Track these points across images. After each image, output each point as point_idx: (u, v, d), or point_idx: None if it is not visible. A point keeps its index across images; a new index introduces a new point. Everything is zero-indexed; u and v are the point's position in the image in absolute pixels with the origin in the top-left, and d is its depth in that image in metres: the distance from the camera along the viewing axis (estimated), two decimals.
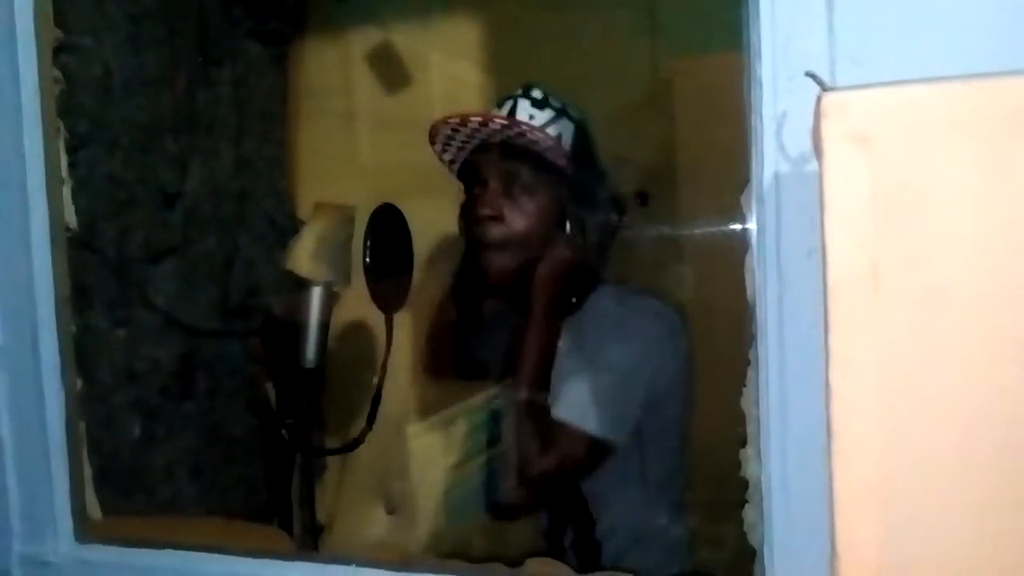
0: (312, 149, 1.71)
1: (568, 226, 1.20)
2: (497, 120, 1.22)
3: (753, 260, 0.65)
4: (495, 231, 1.22)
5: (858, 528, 0.53)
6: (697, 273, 1.51)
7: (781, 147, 0.61)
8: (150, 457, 1.29)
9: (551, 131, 1.22)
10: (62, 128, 0.93)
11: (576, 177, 1.22)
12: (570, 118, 1.24)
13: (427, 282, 1.40)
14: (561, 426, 1.16)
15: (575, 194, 1.21)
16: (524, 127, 1.20)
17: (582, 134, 1.24)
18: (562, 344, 1.21)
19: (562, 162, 1.21)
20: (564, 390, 1.19)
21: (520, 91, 1.27)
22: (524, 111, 1.23)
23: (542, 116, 1.23)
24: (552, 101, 1.25)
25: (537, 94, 1.25)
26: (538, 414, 1.18)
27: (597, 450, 1.17)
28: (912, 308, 0.50)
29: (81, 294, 1.16)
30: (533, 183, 1.22)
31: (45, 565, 0.90)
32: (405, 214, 1.31)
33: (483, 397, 1.32)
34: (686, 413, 1.26)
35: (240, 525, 1.35)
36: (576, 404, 1.17)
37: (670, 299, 1.36)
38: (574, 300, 1.25)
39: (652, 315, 1.25)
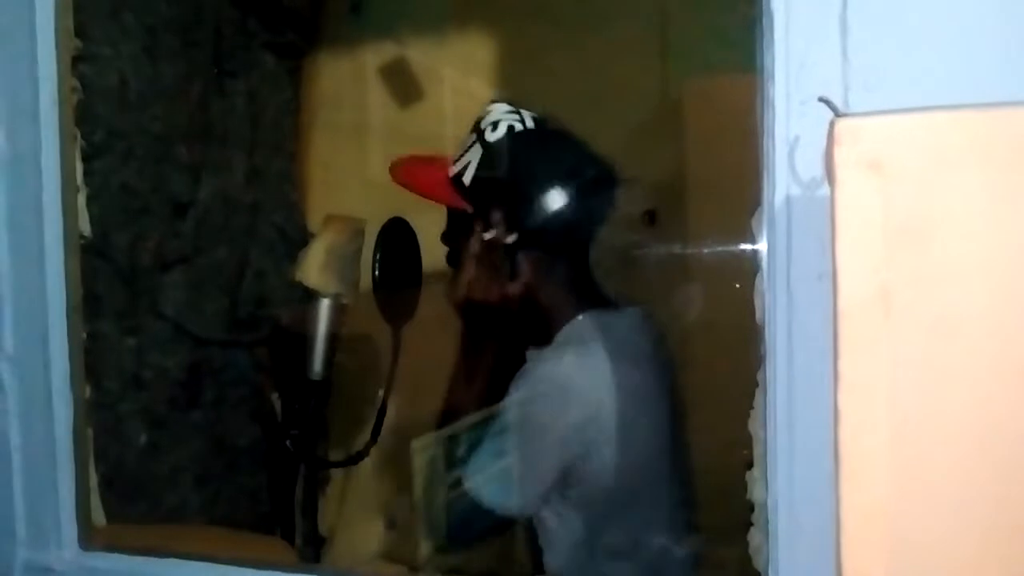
0: (324, 162, 1.72)
1: (475, 256, 1.16)
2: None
3: (763, 282, 0.65)
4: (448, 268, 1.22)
5: (864, 553, 0.52)
6: (706, 293, 1.51)
7: (793, 171, 0.61)
8: (155, 465, 1.29)
9: (460, 163, 1.17)
10: (78, 137, 0.94)
11: (483, 204, 1.15)
12: (483, 142, 1.16)
13: (435, 297, 1.40)
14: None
15: (487, 221, 1.15)
16: (429, 179, 1.20)
17: (492, 156, 1.15)
18: (505, 399, 1.14)
19: (453, 199, 1.18)
20: (482, 447, 1.15)
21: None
22: (464, 137, 1.20)
23: (467, 141, 1.18)
24: (483, 122, 1.18)
25: (482, 112, 1.19)
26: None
27: (496, 520, 1.14)
28: (922, 334, 0.50)
29: (91, 302, 1.17)
30: (455, 223, 1.20)
31: (49, 572, 0.90)
32: (415, 228, 1.31)
33: (487, 413, 1.32)
34: (646, 454, 1.15)
35: (243, 535, 1.35)
36: (476, 468, 1.13)
37: (673, 326, 1.32)
38: (524, 335, 1.19)
39: (572, 373, 1.12)
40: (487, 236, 1.14)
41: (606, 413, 1.10)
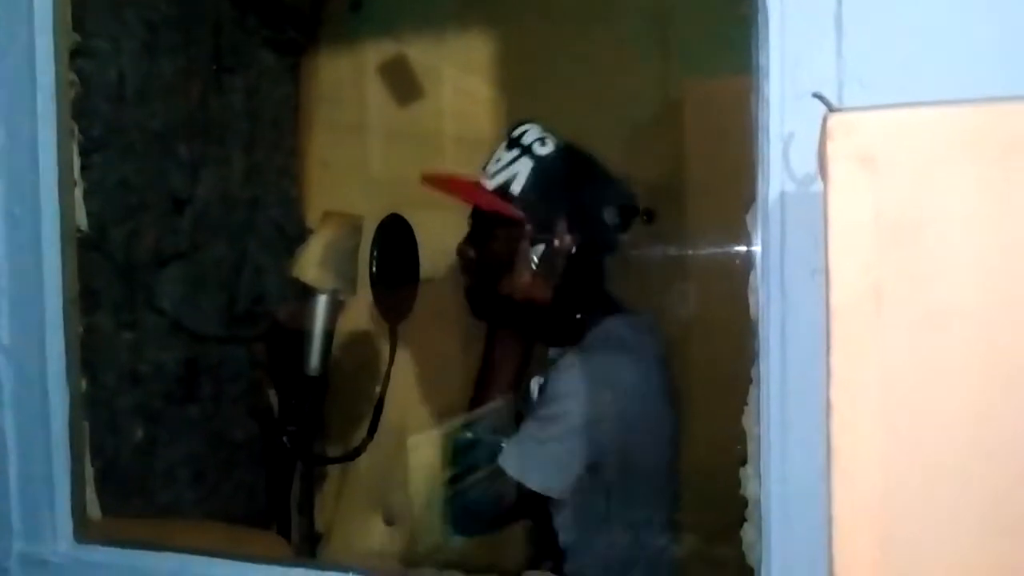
0: (323, 158, 1.72)
1: (532, 260, 1.24)
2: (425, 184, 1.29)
3: (757, 279, 0.65)
4: (465, 272, 1.30)
5: (857, 549, 0.53)
6: (702, 290, 1.51)
7: (787, 167, 0.62)
8: (152, 460, 1.29)
9: (503, 175, 1.25)
10: (76, 131, 0.94)
11: (534, 213, 1.24)
12: (532, 155, 1.26)
13: (432, 294, 1.40)
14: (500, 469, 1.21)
15: (537, 228, 1.24)
16: (476, 191, 1.27)
17: (544, 170, 1.25)
18: (545, 383, 1.25)
19: (505, 208, 1.25)
20: (519, 436, 1.23)
21: (512, 128, 1.31)
22: (498, 153, 1.28)
23: (507, 156, 1.27)
24: (524, 138, 1.27)
25: (517, 131, 1.28)
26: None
27: (532, 499, 1.21)
28: (914, 330, 0.50)
29: (89, 296, 1.17)
30: (488, 229, 1.27)
31: (44, 564, 0.90)
32: (413, 225, 1.32)
33: (485, 410, 1.32)
34: (659, 450, 1.26)
35: (239, 530, 1.35)
36: (517, 453, 1.21)
37: (669, 323, 1.36)
38: (557, 334, 1.28)
39: (610, 370, 1.23)
40: (556, 243, 1.23)
41: (636, 407, 1.21)
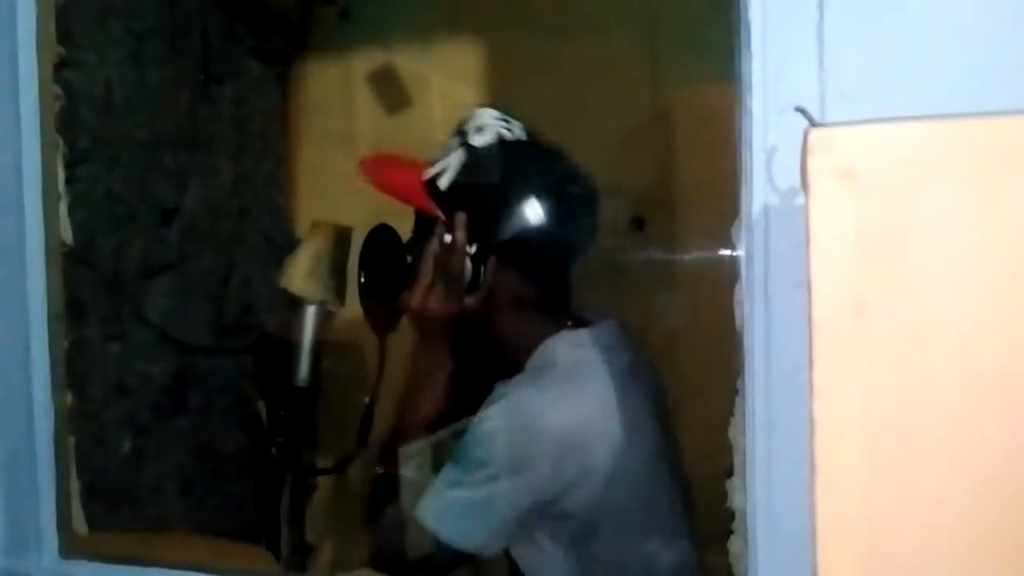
0: (311, 168, 1.72)
1: (433, 274, 1.09)
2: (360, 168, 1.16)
3: (742, 291, 0.66)
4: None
5: (840, 561, 0.53)
6: (690, 300, 1.51)
7: (771, 180, 0.62)
8: (140, 473, 1.28)
9: (438, 166, 1.12)
10: (61, 143, 0.94)
11: (453, 211, 1.09)
12: (466, 146, 1.11)
13: None
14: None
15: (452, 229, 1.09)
16: (401, 178, 1.14)
17: (475, 163, 1.10)
18: (466, 434, 1.07)
19: (423, 203, 1.12)
20: (441, 477, 1.06)
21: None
22: (447, 140, 1.15)
23: (449, 144, 1.13)
24: (467, 125, 1.13)
25: (468, 118, 1.14)
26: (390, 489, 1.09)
27: (455, 556, 1.05)
28: (895, 343, 0.50)
29: (76, 308, 1.17)
30: (421, 227, 1.14)
31: None
32: (402, 236, 1.31)
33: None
34: (633, 474, 1.06)
35: (226, 544, 1.34)
36: (432, 503, 1.05)
37: (658, 332, 1.31)
38: (489, 361, 1.12)
39: (543, 420, 1.04)
40: (446, 240, 1.07)
41: (587, 442, 1.03)
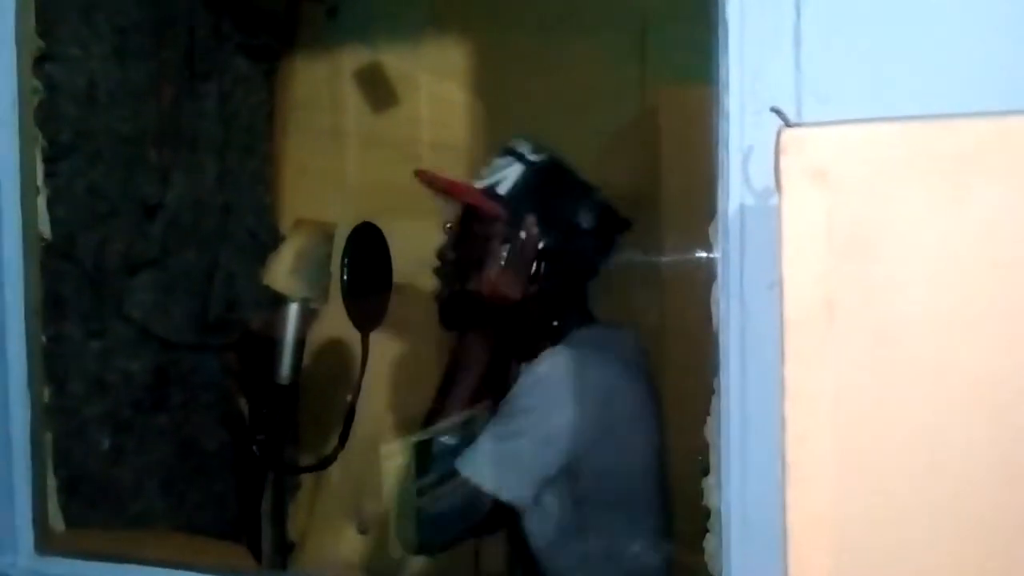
0: (297, 165, 1.71)
1: (501, 257, 1.26)
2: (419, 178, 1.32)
3: (718, 290, 0.66)
4: (439, 276, 1.33)
5: (811, 559, 0.53)
6: (672, 300, 1.52)
7: (747, 180, 0.62)
8: (119, 470, 1.28)
9: (493, 177, 1.29)
10: (40, 137, 0.93)
11: (514, 214, 1.26)
12: (523, 161, 1.30)
13: (405, 302, 1.39)
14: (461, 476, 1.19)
15: (513, 228, 1.26)
16: (461, 186, 1.31)
17: (534, 174, 1.29)
18: (513, 388, 1.24)
19: (483, 202, 1.28)
20: (480, 439, 1.21)
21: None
22: (493, 160, 1.32)
23: (500, 162, 1.31)
24: (518, 147, 1.31)
25: (512, 143, 1.32)
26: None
27: (495, 509, 1.19)
28: (866, 342, 0.51)
29: (56, 304, 1.16)
30: (468, 232, 1.30)
31: None
32: (388, 233, 1.31)
33: (457, 418, 1.32)
34: (634, 460, 1.25)
35: (205, 541, 1.34)
36: (475, 456, 1.20)
37: (641, 333, 1.37)
38: (528, 341, 1.28)
39: (578, 373, 1.22)
40: (523, 238, 1.25)
41: (608, 415, 1.20)
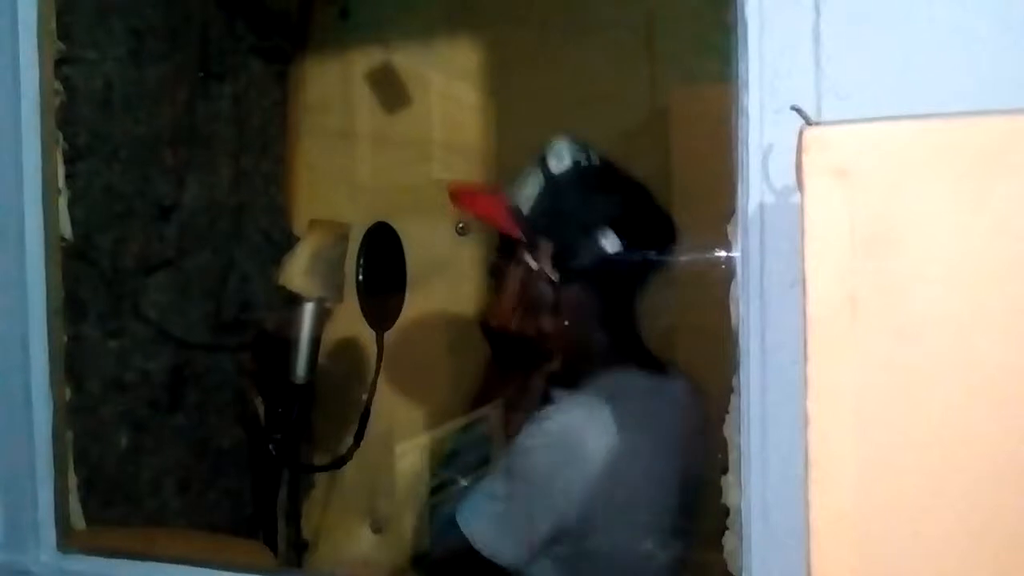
0: (310, 166, 1.72)
1: (518, 295, 1.15)
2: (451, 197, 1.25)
3: (738, 289, 0.66)
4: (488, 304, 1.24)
5: (834, 557, 0.53)
6: (688, 299, 1.51)
7: (767, 178, 0.62)
8: (137, 469, 1.29)
9: (521, 193, 1.17)
10: (61, 139, 0.94)
11: (534, 235, 1.15)
12: (544, 173, 1.15)
13: (420, 302, 1.40)
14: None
15: (532, 252, 1.15)
16: (491, 204, 1.21)
17: (554, 189, 1.14)
18: (518, 438, 1.11)
19: (504, 224, 1.18)
20: (480, 485, 1.13)
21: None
22: (525, 168, 1.19)
23: (528, 172, 1.18)
24: (547, 151, 1.17)
25: (545, 147, 1.18)
26: None
27: (487, 565, 1.08)
28: (889, 340, 0.51)
29: (74, 304, 1.17)
30: (504, 248, 1.20)
31: (26, 574, 0.90)
32: (401, 233, 1.32)
33: (472, 418, 1.33)
34: (647, 522, 1.11)
35: (224, 539, 1.35)
36: (477, 514, 1.10)
37: (656, 330, 1.29)
38: (555, 374, 1.17)
39: (594, 438, 1.07)
40: (533, 267, 1.13)
41: (606, 478, 1.06)
